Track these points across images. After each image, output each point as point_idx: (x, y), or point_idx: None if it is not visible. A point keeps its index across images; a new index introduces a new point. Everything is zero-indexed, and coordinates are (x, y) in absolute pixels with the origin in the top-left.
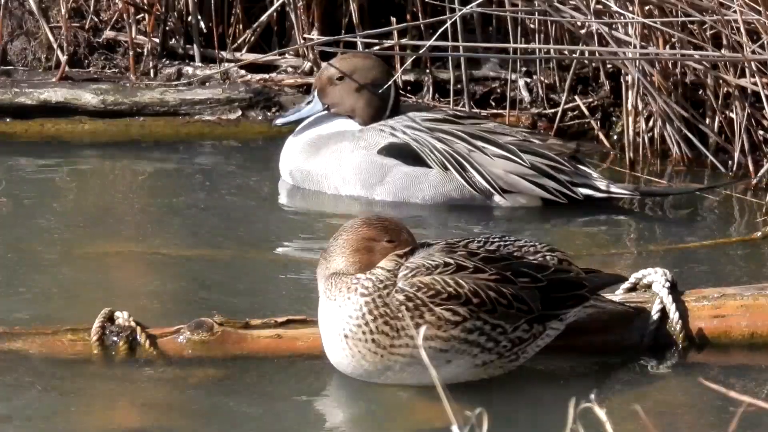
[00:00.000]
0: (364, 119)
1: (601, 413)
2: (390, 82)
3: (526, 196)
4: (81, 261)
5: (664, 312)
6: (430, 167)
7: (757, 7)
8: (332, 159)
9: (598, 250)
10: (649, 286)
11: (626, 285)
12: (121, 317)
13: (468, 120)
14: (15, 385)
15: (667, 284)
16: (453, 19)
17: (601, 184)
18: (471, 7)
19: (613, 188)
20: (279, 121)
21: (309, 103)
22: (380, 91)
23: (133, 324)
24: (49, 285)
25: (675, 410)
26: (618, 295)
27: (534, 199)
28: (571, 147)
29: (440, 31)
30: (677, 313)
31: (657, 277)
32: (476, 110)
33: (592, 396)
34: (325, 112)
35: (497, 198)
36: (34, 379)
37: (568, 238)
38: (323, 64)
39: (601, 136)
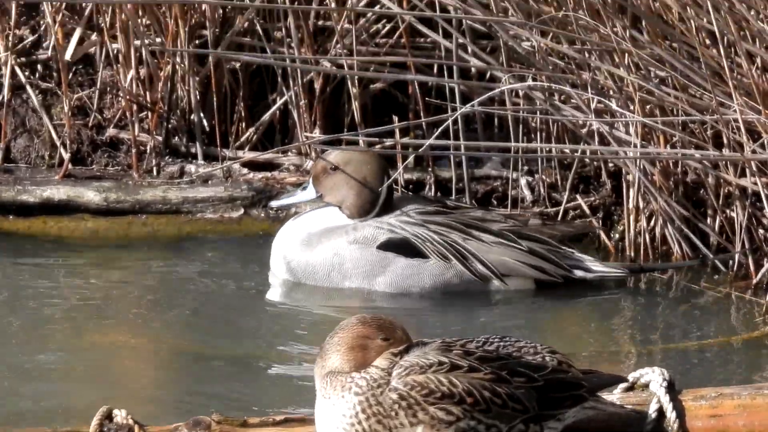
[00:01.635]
0: (353, 212)
1: None
2: (387, 183)
3: (522, 278)
4: (80, 355)
5: (661, 411)
6: (428, 257)
7: (757, 107)
8: (329, 255)
9: (597, 348)
10: (646, 386)
11: (624, 384)
12: (120, 415)
13: (456, 210)
14: None
15: (665, 383)
16: (453, 117)
17: (592, 264)
18: (472, 105)
19: (604, 268)
20: (274, 204)
21: (304, 189)
22: (373, 186)
23: (131, 422)
24: (48, 379)
25: None
26: (616, 394)
27: (528, 281)
28: (560, 228)
29: (440, 129)
30: (674, 413)
31: (654, 377)
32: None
33: None
34: (318, 199)
35: (496, 282)
36: None
37: (566, 336)
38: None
39: (602, 235)
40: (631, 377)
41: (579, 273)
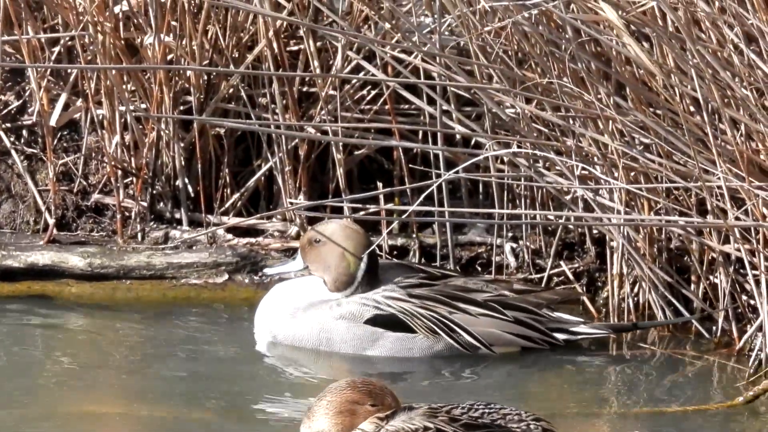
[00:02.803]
0: (332, 285)
1: None
2: (366, 258)
3: (508, 346)
4: (64, 422)
5: None
6: (416, 332)
7: (741, 173)
8: (316, 330)
9: (579, 413)
10: None
11: None
12: None
13: (440, 280)
14: None
15: None
16: (437, 184)
17: (575, 327)
18: (456, 172)
19: (587, 329)
20: (267, 271)
21: (294, 258)
22: (352, 261)
23: None
24: None
25: None
26: None
27: (514, 348)
28: (544, 296)
29: (423, 195)
30: None
31: None
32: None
33: None
34: (305, 270)
35: (484, 350)
36: None
37: (550, 401)
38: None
39: (587, 302)
40: None
41: (562, 336)
